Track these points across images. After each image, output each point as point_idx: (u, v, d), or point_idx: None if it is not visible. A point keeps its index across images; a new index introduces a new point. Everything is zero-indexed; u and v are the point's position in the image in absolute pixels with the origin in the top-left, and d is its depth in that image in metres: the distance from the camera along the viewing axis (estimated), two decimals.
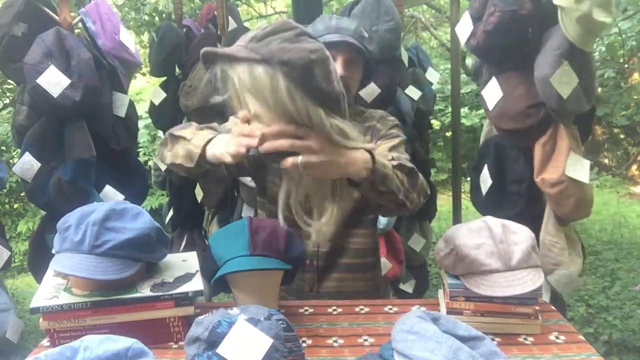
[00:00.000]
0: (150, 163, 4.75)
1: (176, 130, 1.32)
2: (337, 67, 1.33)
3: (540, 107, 1.80)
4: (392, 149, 1.36)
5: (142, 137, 5.52)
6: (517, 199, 1.92)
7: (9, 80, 3.54)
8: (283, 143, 0.97)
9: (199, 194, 2.62)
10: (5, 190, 4.76)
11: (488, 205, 2.05)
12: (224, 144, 1.10)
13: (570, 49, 1.68)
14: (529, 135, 1.88)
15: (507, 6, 1.78)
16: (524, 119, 1.87)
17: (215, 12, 2.70)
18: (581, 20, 1.61)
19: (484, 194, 2.07)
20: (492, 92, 1.96)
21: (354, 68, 1.44)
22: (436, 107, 5.01)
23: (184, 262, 1.36)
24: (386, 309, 1.40)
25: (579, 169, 1.73)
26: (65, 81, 1.81)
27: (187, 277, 1.27)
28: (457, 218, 2.75)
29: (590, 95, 1.72)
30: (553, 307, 1.39)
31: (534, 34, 1.82)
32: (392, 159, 1.23)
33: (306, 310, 1.40)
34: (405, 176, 1.21)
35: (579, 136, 1.90)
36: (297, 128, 0.97)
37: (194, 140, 1.23)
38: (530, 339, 1.21)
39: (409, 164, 1.24)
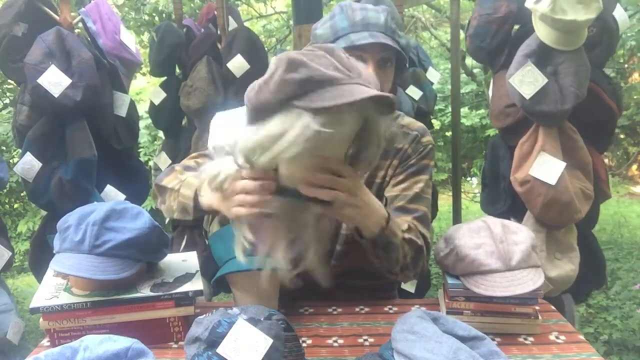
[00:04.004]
0: (150, 163, 4.75)
1: (161, 180, 1.23)
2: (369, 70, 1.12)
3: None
4: (414, 199, 1.28)
5: (143, 137, 5.51)
6: (506, 196, 1.94)
7: (9, 80, 3.54)
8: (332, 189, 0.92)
9: None
10: (5, 190, 4.76)
11: (485, 201, 2.08)
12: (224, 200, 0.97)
13: (539, 50, 1.69)
14: (512, 134, 1.92)
15: (484, 10, 1.91)
16: (504, 118, 1.93)
17: (215, 12, 2.70)
18: (544, 19, 1.63)
19: (482, 190, 2.15)
20: (490, 92, 2.07)
21: (387, 68, 1.21)
22: (436, 107, 5.00)
23: (184, 262, 1.36)
24: (386, 309, 1.40)
25: (547, 169, 1.72)
26: (66, 81, 1.82)
27: (187, 277, 1.27)
28: (457, 218, 2.75)
29: (570, 97, 1.69)
30: (553, 307, 1.40)
31: (522, 34, 1.84)
32: (409, 228, 1.21)
33: (306, 310, 1.40)
34: (411, 252, 1.20)
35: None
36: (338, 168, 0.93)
37: (182, 190, 1.13)
38: (530, 339, 1.21)
39: (420, 242, 1.21)
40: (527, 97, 1.69)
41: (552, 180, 1.71)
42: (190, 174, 1.16)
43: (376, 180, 1.33)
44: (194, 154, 1.30)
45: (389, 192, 1.30)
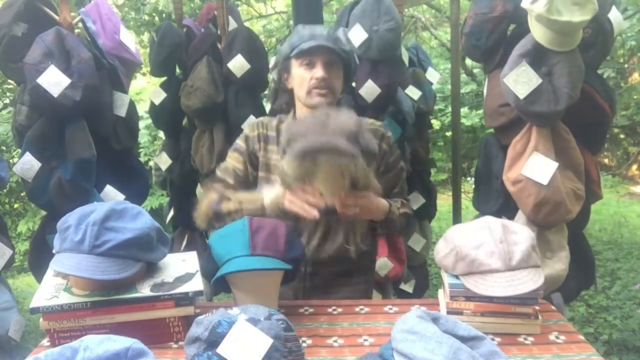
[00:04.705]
0: (150, 163, 4.75)
1: (220, 209, 1.49)
2: (318, 70, 1.47)
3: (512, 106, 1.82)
4: (403, 185, 1.64)
5: (143, 137, 5.51)
6: (498, 195, 1.94)
7: (9, 80, 3.53)
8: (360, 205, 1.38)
9: (200, 194, 2.63)
10: (5, 190, 4.76)
11: (477, 200, 2.08)
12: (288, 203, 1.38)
13: (534, 50, 1.69)
14: (506, 134, 1.92)
15: (479, 9, 1.92)
16: (497, 117, 1.93)
17: (215, 12, 2.70)
18: (539, 20, 1.63)
19: (475, 189, 2.14)
20: (484, 91, 2.07)
21: (333, 69, 1.50)
22: (436, 107, 5.01)
23: (184, 262, 1.36)
24: (386, 309, 1.40)
25: (540, 169, 1.72)
26: (66, 81, 1.81)
27: (187, 277, 1.27)
28: (457, 218, 2.75)
29: (564, 97, 1.69)
30: (553, 307, 1.40)
31: (518, 34, 1.85)
32: (402, 204, 1.59)
33: (306, 310, 1.40)
34: (405, 221, 1.62)
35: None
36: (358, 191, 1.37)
37: (245, 206, 1.47)
38: (530, 339, 1.21)
39: (410, 210, 1.64)
40: (521, 97, 1.69)
41: (545, 180, 1.72)
42: (245, 194, 1.51)
43: None
44: (217, 178, 1.60)
45: (385, 185, 1.56)
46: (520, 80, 1.68)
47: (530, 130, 1.79)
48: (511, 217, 1.82)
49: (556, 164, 1.73)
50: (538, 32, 1.68)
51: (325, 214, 1.35)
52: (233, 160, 1.59)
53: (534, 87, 1.68)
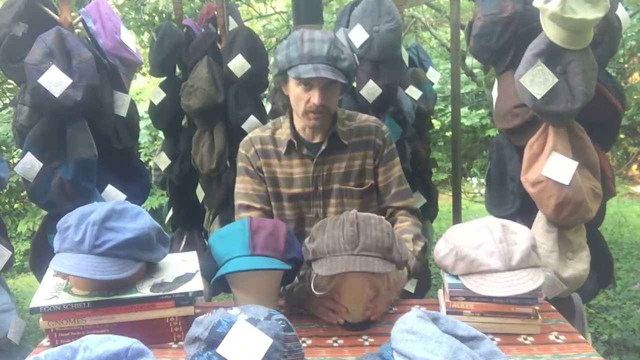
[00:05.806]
0: (150, 163, 4.75)
1: None
2: (315, 95, 1.41)
3: (527, 107, 1.81)
4: (400, 181, 1.61)
5: (143, 137, 5.50)
6: (514, 198, 1.93)
7: (9, 80, 3.53)
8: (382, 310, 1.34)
9: (200, 194, 2.62)
10: (5, 190, 4.76)
11: (490, 203, 2.06)
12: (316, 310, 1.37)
13: (549, 49, 1.69)
14: (520, 135, 1.90)
15: (488, 10, 1.89)
16: (511, 119, 1.90)
17: (215, 12, 2.70)
18: (554, 18, 1.62)
19: (487, 192, 2.11)
20: (494, 93, 2.03)
21: (330, 92, 1.45)
22: (436, 107, 4.99)
23: (183, 262, 1.36)
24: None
25: (560, 169, 1.71)
26: (67, 81, 1.81)
27: (187, 277, 1.27)
28: (457, 218, 2.75)
29: (580, 96, 1.69)
30: (553, 307, 1.40)
31: (526, 34, 1.84)
32: (415, 239, 1.51)
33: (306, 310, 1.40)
34: (424, 254, 1.55)
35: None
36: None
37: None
38: (530, 339, 1.21)
39: (423, 240, 1.55)
40: (538, 97, 1.68)
41: (566, 180, 1.70)
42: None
43: (354, 168, 1.57)
44: (242, 207, 1.57)
45: (383, 182, 1.60)
46: (536, 80, 1.67)
47: (546, 131, 1.77)
48: (528, 219, 1.80)
49: (576, 163, 1.72)
50: (551, 31, 1.66)
51: (352, 325, 1.30)
52: (249, 184, 1.57)
53: (550, 87, 1.67)
